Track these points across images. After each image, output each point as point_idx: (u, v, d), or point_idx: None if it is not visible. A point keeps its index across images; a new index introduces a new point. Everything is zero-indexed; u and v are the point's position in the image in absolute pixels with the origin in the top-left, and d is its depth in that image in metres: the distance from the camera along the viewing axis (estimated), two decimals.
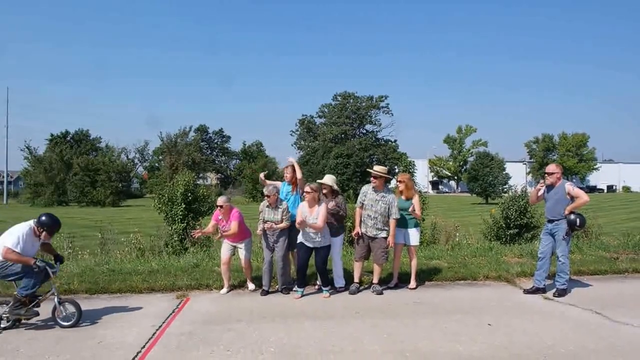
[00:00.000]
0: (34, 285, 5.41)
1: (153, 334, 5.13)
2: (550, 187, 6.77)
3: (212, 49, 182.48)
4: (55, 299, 5.49)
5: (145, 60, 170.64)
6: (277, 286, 6.98)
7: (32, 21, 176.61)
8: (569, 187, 6.62)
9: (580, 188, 7.06)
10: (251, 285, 7.10)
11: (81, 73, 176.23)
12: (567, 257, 6.68)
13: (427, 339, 4.92)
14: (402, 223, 6.95)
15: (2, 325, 5.37)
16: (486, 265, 8.22)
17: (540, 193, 6.92)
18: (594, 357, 4.42)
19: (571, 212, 6.53)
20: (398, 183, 7.12)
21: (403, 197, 7.00)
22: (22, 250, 5.31)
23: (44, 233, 5.53)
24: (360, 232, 6.90)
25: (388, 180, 7.08)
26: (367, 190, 6.93)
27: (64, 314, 5.48)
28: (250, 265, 7.18)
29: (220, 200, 6.88)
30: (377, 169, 6.88)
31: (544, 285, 6.79)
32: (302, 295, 6.67)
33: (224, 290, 6.96)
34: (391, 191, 6.95)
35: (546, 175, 6.81)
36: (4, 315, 5.37)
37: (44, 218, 5.55)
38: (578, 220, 6.51)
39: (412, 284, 7.09)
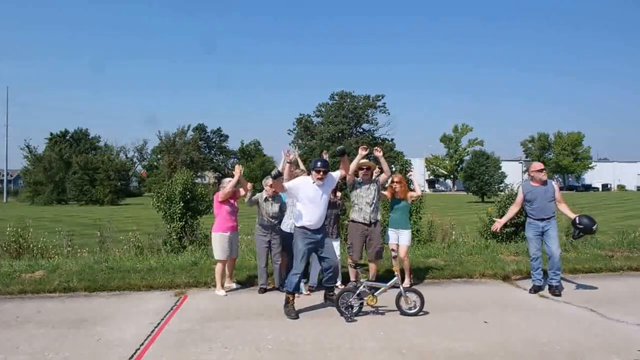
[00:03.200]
0: None
1: (152, 331, 5.16)
2: (542, 185, 6.79)
3: (210, 48, 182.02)
4: (401, 288, 5.72)
5: (144, 59, 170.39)
6: (272, 284, 7.00)
7: (32, 21, 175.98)
8: (558, 189, 6.76)
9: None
10: (234, 285, 7.11)
11: (80, 72, 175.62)
12: (559, 254, 6.72)
13: (423, 336, 4.96)
14: (395, 223, 7.02)
15: (354, 311, 5.58)
16: (482, 263, 8.28)
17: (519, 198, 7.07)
18: (589, 354, 4.47)
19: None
20: (396, 184, 7.10)
21: (398, 198, 7.05)
22: None
23: None
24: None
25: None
26: (358, 184, 6.98)
27: (410, 302, 5.67)
28: None
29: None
30: (365, 161, 6.95)
31: (543, 282, 6.84)
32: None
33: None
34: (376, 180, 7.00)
35: (543, 171, 6.82)
36: (352, 302, 5.57)
37: None
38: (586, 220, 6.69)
39: (407, 282, 7.13)
